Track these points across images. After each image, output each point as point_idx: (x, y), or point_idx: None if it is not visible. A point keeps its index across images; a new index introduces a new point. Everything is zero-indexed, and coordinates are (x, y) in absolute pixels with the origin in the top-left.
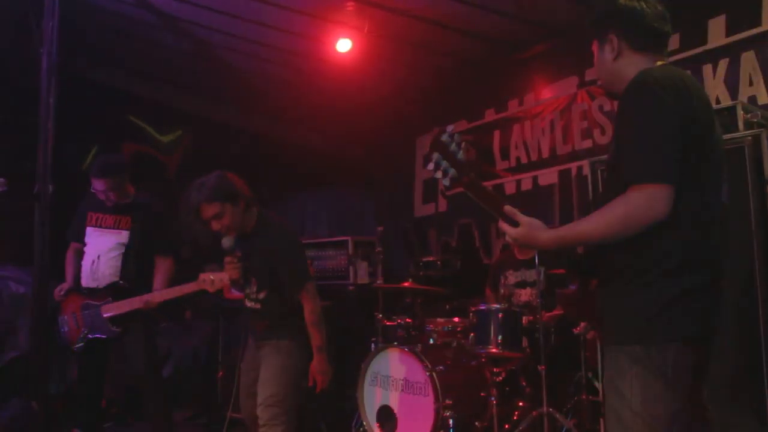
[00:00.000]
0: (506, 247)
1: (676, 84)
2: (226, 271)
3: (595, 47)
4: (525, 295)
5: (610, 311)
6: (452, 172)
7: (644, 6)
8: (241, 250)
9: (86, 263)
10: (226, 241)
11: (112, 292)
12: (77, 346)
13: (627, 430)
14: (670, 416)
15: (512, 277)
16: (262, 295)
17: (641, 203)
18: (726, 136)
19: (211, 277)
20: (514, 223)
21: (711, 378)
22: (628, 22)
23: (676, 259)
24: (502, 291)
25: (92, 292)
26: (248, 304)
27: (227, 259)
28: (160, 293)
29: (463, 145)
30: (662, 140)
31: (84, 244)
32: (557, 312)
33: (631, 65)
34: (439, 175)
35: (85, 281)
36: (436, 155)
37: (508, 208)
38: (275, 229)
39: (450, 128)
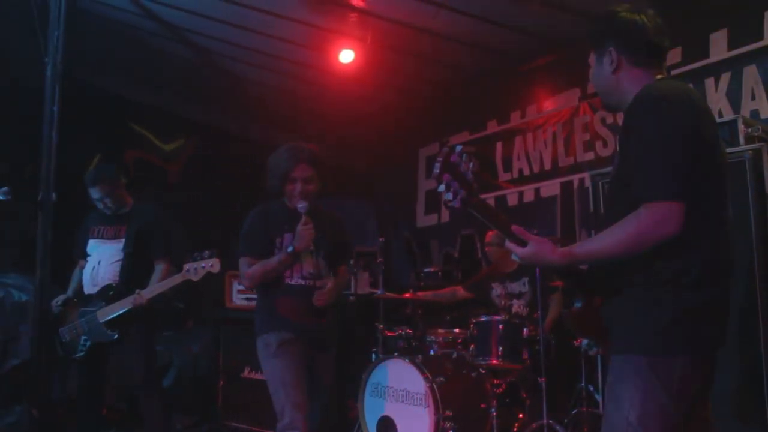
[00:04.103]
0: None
1: (682, 99)
2: (301, 233)
3: (592, 58)
4: (513, 307)
5: (618, 321)
6: (462, 193)
7: (645, 20)
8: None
9: (87, 270)
10: (303, 205)
11: (106, 296)
12: (78, 354)
13: None
14: None
15: (499, 288)
16: (324, 270)
17: (653, 221)
18: (727, 150)
19: (195, 266)
20: (523, 243)
21: (713, 389)
22: (628, 36)
23: (689, 274)
24: (502, 302)
25: (87, 300)
26: (302, 281)
27: (304, 219)
28: (147, 290)
29: (471, 164)
30: (672, 157)
31: (88, 255)
32: (549, 321)
33: (630, 79)
34: (450, 196)
35: (87, 288)
36: (447, 176)
37: (516, 227)
38: (332, 213)
39: (459, 148)
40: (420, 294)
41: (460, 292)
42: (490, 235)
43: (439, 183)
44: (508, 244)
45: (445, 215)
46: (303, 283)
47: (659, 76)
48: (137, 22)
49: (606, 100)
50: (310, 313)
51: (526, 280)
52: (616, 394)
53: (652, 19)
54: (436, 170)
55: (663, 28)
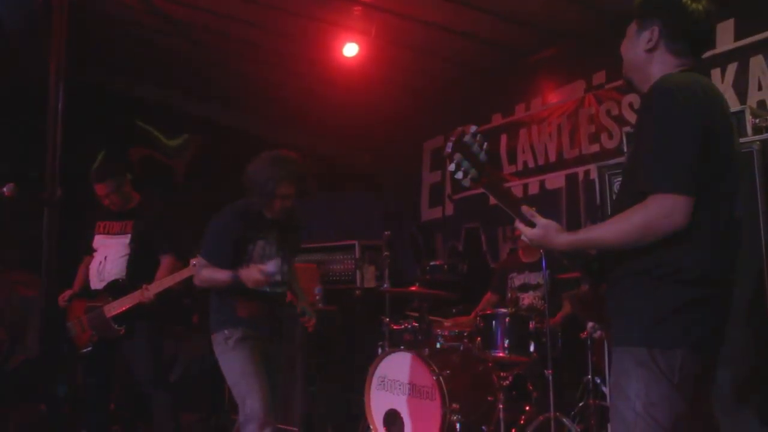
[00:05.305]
0: (513, 251)
1: (697, 93)
2: (254, 279)
3: (632, 28)
4: (527, 298)
5: (619, 313)
6: (473, 172)
7: (701, 11)
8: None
9: (94, 265)
10: (275, 270)
11: (113, 291)
12: (85, 349)
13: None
14: (672, 421)
15: (516, 280)
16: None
17: (660, 213)
18: None
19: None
20: (531, 224)
21: (718, 384)
22: (679, 23)
23: (691, 271)
24: (509, 295)
25: (94, 295)
26: (273, 288)
27: (266, 278)
28: (155, 284)
29: (484, 145)
30: (683, 150)
31: (94, 251)
32: (560, 316)
33: (661, 63)
34: (460, 175)
35: (93, 283)
36: (458, 155)
37: (525, 208)
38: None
39: (473, 128)
40: (463, 319)
41: (493, 298)
42: None
43: (450, 162)
44: (517, 224)
45: (450, 208)
46: (268, 290)
47: (684, 68)
48: (141, 18)
49: (628, 74)
50: (272, 316)
51: (547, 272)
52: (621, 386)
53: (707, 11)
54: (448, 149)
55: (715, 23)
